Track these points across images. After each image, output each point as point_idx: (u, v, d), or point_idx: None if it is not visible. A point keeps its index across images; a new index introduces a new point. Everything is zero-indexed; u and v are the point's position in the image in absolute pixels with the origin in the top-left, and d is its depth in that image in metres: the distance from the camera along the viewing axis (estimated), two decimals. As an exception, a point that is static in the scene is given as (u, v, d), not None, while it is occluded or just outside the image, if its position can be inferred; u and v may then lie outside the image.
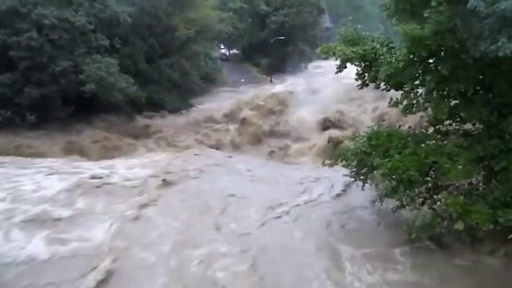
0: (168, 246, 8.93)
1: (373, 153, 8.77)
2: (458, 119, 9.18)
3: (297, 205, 11.18)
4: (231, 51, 51.66)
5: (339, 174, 10.87)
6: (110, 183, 12.41)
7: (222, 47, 49.48)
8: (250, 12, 45.99)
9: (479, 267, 8.20)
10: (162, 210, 10.76)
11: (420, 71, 8.73)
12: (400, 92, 9.27)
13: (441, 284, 7.86)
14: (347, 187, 11.77)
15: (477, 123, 8.93)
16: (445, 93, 8.80)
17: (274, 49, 43.92)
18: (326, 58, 10.60)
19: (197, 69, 30.66)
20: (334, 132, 19.61)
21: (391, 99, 9.43)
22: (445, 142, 8.68)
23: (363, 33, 9.92)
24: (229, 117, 25.11)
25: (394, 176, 8.27)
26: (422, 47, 8.13)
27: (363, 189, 9.65)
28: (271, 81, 40.50)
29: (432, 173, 8.45)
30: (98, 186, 12.14)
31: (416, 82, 8.88)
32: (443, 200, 8.39)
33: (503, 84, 8.05)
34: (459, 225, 7.75)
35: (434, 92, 8.79)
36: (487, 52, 6.87)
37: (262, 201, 11.27)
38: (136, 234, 9.49)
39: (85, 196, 11.36)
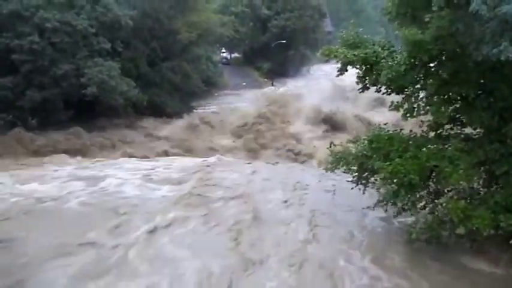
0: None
1: (374, 156, 8.74)
2: (459, 123, 9.15)
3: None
4: (233, 55, 51.85)
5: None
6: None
7: (224, 50, 49.68)
8: (251, 16, 46.15)
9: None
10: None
11: (421, 75, 8.72)
12: (396, 95, 9.24)
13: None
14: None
15: (478, 128, 8.90)
16: (446, 97, 8.78)
17: (275, 53, 44.05)
18: (327, 61, 10.58)
19: (198, 73, 30.78)
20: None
21: (392, 102, 9.39)
22: (446, 146, 8.65)
23: (364, 36, 9.91)
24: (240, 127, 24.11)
25: (395, 180, 8.23)
26: (423, 52, 8.09)
27: (363, 193, 9.57)
28: (272, 84, 40.55)
29: (433, 177, 8.41)
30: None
31: (418, 86, 8.87)
32: (444, 204, 8.35)
33: (504, 89, 8.00)
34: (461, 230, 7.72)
35: (435, 96, 8.76)
36: (489, 56, 6.82)
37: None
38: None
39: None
